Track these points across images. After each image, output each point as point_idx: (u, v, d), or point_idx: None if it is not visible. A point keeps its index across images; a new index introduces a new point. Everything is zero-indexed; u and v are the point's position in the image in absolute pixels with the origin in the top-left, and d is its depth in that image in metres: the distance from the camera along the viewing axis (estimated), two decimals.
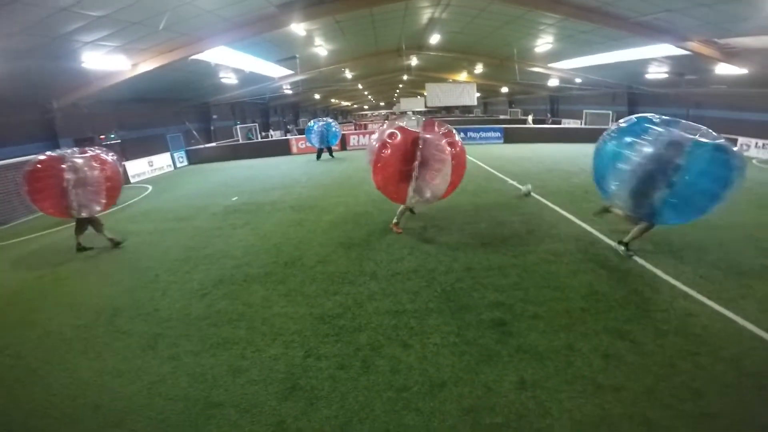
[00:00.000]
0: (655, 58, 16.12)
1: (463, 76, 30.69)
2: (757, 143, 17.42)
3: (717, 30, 11.31)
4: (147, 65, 12.43)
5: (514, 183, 10.41)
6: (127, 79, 12.67)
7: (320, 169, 14.38)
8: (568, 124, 26.96)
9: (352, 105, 56.19)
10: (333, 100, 45.33)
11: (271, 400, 3.20)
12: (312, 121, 18.25)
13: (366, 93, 43.57)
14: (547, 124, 26.92)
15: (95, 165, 7.10)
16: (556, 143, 19.91)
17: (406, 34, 18.21)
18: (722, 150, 4.70)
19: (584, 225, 7.06)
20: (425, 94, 20.31)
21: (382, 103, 58.04)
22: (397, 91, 43.12)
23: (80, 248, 7.19)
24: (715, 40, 12.39)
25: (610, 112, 23.56)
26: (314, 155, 18.43)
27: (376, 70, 28.94)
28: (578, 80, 23.23)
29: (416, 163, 6.19)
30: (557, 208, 8.11)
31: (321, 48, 17.41)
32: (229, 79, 19.50)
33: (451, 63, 27.03)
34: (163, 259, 6.57)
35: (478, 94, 45.15)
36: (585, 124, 25.25)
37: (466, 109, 56.70)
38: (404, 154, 6.26)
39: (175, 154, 19.06)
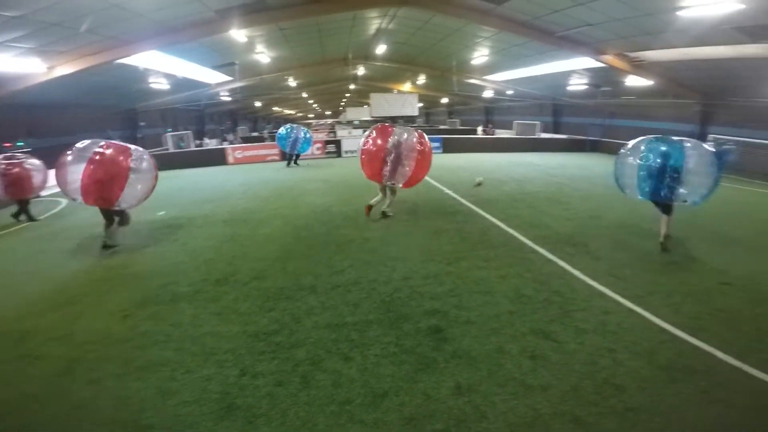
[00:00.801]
0: (575, 70, 17.77)
1: (407, 86, 31.65)
2: None
3: (628, 44, 12.75)
4: (65, 69, 11.44)
5: (450, 192, 10.76)
6: (42, 83, 11.52)
7: (258, 179, 13.84)
8: (500, 134, 28.60)
9: (296, 113, 55.22)
10: (275, 108, 44.21)
11: (206, 420, 3.07)
12: (283, 128, 17.94)
13: (311, 102, 43.11)
14: (490, 134, 28.34)
15: None
16: (491, 153, 21.01)
17: (353, 43, 18.43)
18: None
19: (511, 231, 7.42)
20: (370, 103, 20.35)
21: (328, 112, 57.74)
22: (344, 100, 43.17)
23: None
24: (626, 54, 13.91)
25: (537, 123, 25.43)
26: (253, 165, 17.86)
27: (322, 78, 28.83)
28: (510, 92, 24.90)
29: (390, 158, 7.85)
30: (488, 216, 8.45)
31: (263, 55, 17.18)
32: (159, 84, 18.38)
33: (396, 73, 27.77)
34: (80, 280, 5.96)
35: (421, 104, 46.94)
36: (516, 134, 26.92)
37: (410, 119, 58.38)
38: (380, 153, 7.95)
39: None
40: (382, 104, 20.05)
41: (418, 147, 7.87)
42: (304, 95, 35.57)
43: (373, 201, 8.50)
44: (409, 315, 4.59)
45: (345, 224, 8.09)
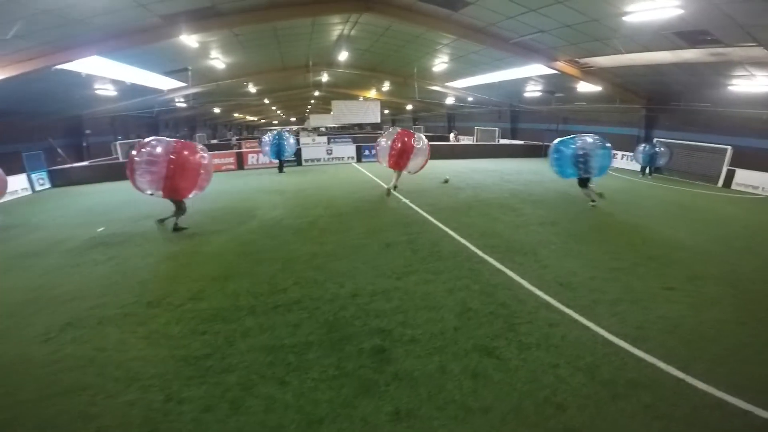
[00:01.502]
0: (530, 77, 18.33)
1: (372, 93, 31.60)
2: None
3: (578, 50, 13.26)
4: None
5: (407, 201, 10.64)
6: None
7: (210, 191, 12.97)
8: (463, 140, 29.12)
9: (259, 120, 53.95)
10: (237, 115, 42.97)
11: None
12: (267, 135, 17.79)
13: (274, 108, 42.22)
14: (456, 140, 28.73)
15: None
16: (453, 160, 21.26)
17: (314, 50, 18.16)
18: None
19: (463, 240, 7.33)
20: (332, 111, 20.06)
21: (293, 119, 56.83)
22: (309, 106, 42.57)
23: None
24: (576, 60, 14.47)
25: (497, 129, 26.08)
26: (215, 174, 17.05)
27: (284, 85, 28.23)
28: (470, 99, 25.37)
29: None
30: (442, 226, 8.31)
31: (218, 61, 16.61)
32: (106, 90, 17.47)
33: (360, 80, 27.62)
34: (0, 302, 5.43)
35: (386, 111, 47.18)
36: (476, 140, 27.53)
37: (377, 126, 58.48)
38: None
39: (34, 176, 16.03)
40: (343, 111, 19.82)
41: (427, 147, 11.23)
42: (266, 102, 34.71)
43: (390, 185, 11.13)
44: (353, 335, 4.37)
45: (295, 239, 7.73)
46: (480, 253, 6.67)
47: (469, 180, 14.44)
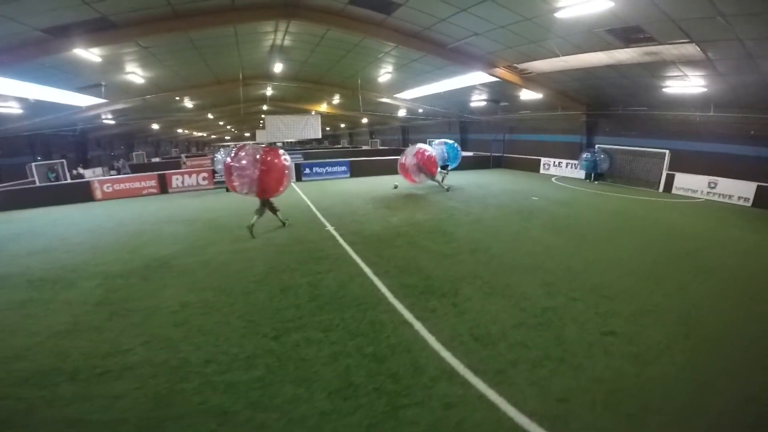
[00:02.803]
0: (474, 86, 17.87)
1: (323, 107, 30.50)
2: (554, 162, 20.48)
3: (515, 54, 12.75)
4: None
5: (331, 228, 9.40)
6: None
7: (115, 222, 11.25)
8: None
9: (209, 135, 51.40)
10: (180, 131, 40.46)
11: None
12: (219, 153, 17.01)
13: (222, 123, 40.11)
14: None
15: None
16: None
17: (247, 62, 16.91)
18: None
19: (376, 280, 6.11)
20: (264, 127, 18.66)
21: (247, 134, 54.58)
22: (261, 121, 40.72)
23: None
24: (515, 65, 14.03)
25: (453, 142, 25.58)
26: (124, 200, 15.51)
27: (224, 99, 26.56)
28: (420, 110, 24.80)
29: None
30: (358, 260, 6.97)
31: (135, 75, 15.12)
32: (9, 108, 15.35)
33: (307, 94, 26.47)
34: None
35: (343, 125, 46.27)
36: None
37: (335, 140, 57.39)
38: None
39: None
40: (279, 127, 18.42)
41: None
42: (210, 117, 32.72)
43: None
44: (182, 416, 3.24)
45: (174, 283, 6.27)
46: (390, 297, 5.48)
47: (409, 198, 13.45)
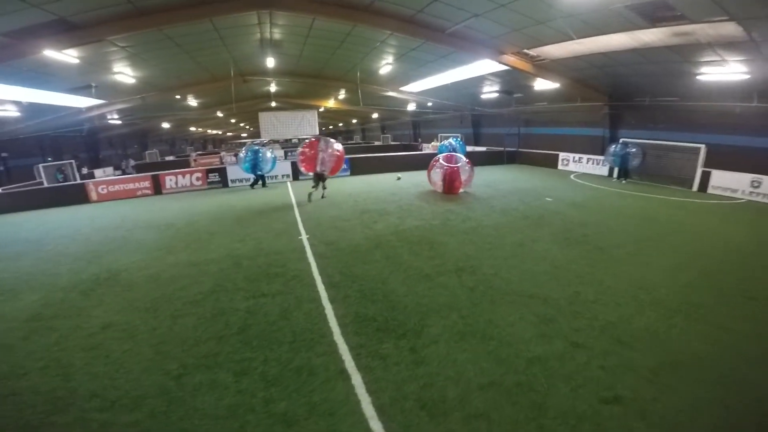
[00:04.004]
0: (483, 75, 16.47)
1: (331, 102, 29.65)
2: (574, 158, 18.74)
3: (523, 38, 11.36)
4: None
5: (304, 238, 8.29)
6: None
7: (88, 228, 10.67)
8: (428, 149, 27.10)
9: (224, 133, 51.47)
10: (193, 129, 40.47)
11: None
12: (243, 151, 16.75)
13: (233, 121, 39.85)
14: (419, 149, 26.80)
15: None
16: (409, 171, 19.16)
17: (239, 58, 16.20)
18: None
19: (329, 308, 4.98)
20: (259, 125, 17.85)
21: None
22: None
23: None
24: (525, 52, 12.61)
25: (459, 135, 24.15)
26: (119, 202, 15.24)
27: (230, 96, 26.09)
28: (429, 104, 23.46)
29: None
30: (318, 280, 5.91)
31: (123, 75, 14.85)
32: (6, 111, 15.39)
33: (311, 89, 25.68)
34: None
35: (354, 121, 45.26)
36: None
37: (349, 136, 56.54)
38: None
39: None
40: (273, 124, 17.54)
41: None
42: (220, 114, 32.37)
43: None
44: None
45: (110, 300, 5.58)
46: (337, 334, 4.40)
47: (405, 200, 12.26)
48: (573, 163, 18.64)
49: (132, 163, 27.25)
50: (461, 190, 13.19)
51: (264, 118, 17.25)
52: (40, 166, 21.60)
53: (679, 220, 9.37)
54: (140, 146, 35.56)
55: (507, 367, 3.73)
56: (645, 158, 14.75)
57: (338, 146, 13.29)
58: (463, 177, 13.11)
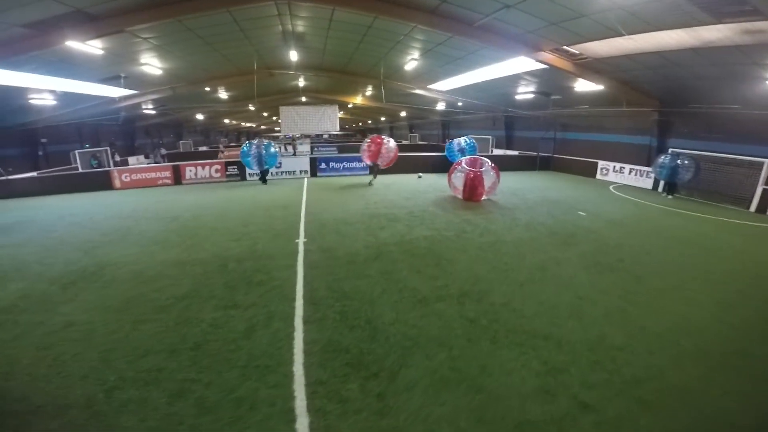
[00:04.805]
0: (517, 74, 15.36)
1: (359, 99, 29.24)
2: (614, 167, 17.14)
3: (562, 33, 10.25)
4: None
5: (300, 241, 7.68)
6: None
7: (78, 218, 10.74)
8: None
9: (258, 126, 52.35)
10: (226, 121, 41.29)
11: None
12: (246, 145, 16.40)
13: (266, 114, 40.33)
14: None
15: None
16: (433, 173, 18.32)
17: (264, 51, 16.06)
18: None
19: (299, 329, 4.35)
20: (280, 119, 17.54)
21: None
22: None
23: None
24: (565, 48, 11.46)
25: (491, 137, 22.91)
26: (140, 190, 15.47)
27: (259, 90, 26.30)
28: (460, 103, 22.40)
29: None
30: (298, 292, 5.29)
31: (150, 67, 14.99)
32: (43, 100, 15.97)
33: (339, 85, 25.32)
34: None
35: (383, 119, 44.61)
36: None
37: (378, 134, 55.89)
38: None
39: None
40: (294, 119, 17.20)
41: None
42: (251, 108, 32.73)
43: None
44: None
45: (85, 296, 5.34)
46: (299, 363, 3.73)
47: (420, 205, 11.42)
48: (613, 173, 17.04)
49: (163, 152, 27.87)
50: (484, 198, 12.16)
51: (285, 112, 16.95)
52: (77, 152, 22.56)
53: (734, 246, 8.00)
54: (175, 136, 36.65)
55: (489, 431, 2.92)
56: (699, 172, 13.04)
57: (393, 144, 15.55)
58: (487, 183, 12.03)
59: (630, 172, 16.23)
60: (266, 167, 16.31)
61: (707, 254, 7.40)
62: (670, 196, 13.69)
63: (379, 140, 15.33)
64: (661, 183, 14.46)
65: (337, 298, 5.19)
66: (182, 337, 4.25)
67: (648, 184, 15.32)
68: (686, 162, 13.10)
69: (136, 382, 3.49)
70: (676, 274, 6.32)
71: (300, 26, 13.41)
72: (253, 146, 16.04)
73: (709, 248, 7.79)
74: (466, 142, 17.72)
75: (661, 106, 14.20)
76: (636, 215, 10.70)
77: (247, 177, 17.07)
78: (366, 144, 15.43)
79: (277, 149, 16.90)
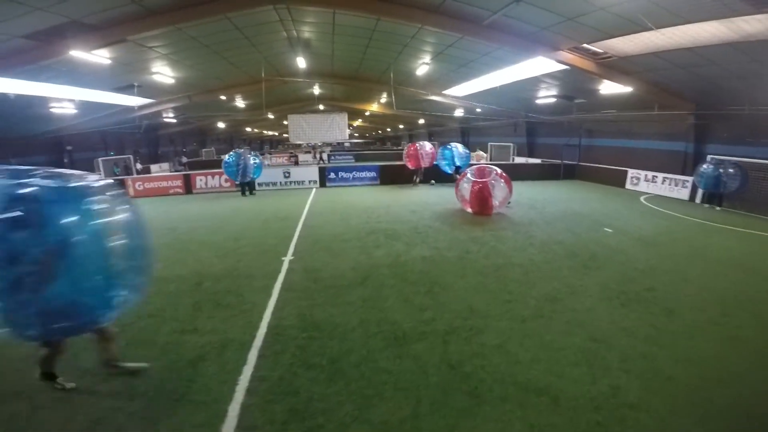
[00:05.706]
0: (537, 77, 14.48)
1: (374, 106, 28.90)
2: (646, 176, 15.74)
3: (581, 29, 9.39)
4: None
5: (287, 260, 7.08)
6: None
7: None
8: (471, 158, 25.03)
9: (280, 134, 53.03)
10: (249, 129, 41.96)
11: None
12: (228, 155, 15.69)
13: (286, 123, 40.68)
14: (477, 159, 24.91)
15: None
16: (441, 183, 17.52)
17: (272, 58, 15.98)
18: None
19: (251, 363, 3.76)
20: (288, 128, 17.28)
21: None
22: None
23: None
24: (586, 46, 10.57)
25: (512, 145, 21.84)
26: (152, 199, 15.44)
27: (275, 98, 26.41)
28: (478, 110, 21.52)
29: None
30: (264, 324, 4.61)
31: (162, 76, 15.18)
32: (63, 108, 16.35)
33: (355, 92, 25.14)
34: None
35: (401, 126, 44.06)
36: (490, 158, 23.31)
37: (396, 142, 55.54)
38: None
39: None
40: (302, 127, 16.88)
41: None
42: (271, 116, 32.99)
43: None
44: None
45: None
46: (235, 402, 3.18)
47: (425, 220, 10.63)
48: (644, 182, 15.65)
49: (184, 160, 28.39)
50: (495, 211, 11.25)
51: (293, 120, 16.64)
52: (100, 159, 23.20)
53: None
54: (198, 144, 37.50)
55: None
56: (745, 181, 11.57)
57: (428, 146, 17.11)
58: (498, 195, 11.14)
59: (663, 181, 14.83)
60: (253, 177, 15.79)
61: (755, 279, 6.28)
62: (718, 208, 12.25)
63: (413, 147, 16.89)
64: (699, 192, 13.07)
65: (304, 328, 4.56)
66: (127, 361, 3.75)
67: (684, 194, 13.91)
68: (731, 170, 11.68)
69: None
70: (717, 304, 5.29)
71: (305, 32, 13.17)
72: (241, 158, 15.40)
73: (758, 271, 6.65)
74: (454, 148, 16.60)
75: (698, 109, 12.89)
76: (670, 231, 9.50)
77: (256, 186, 16.87)
78: (405, 155, 17.33)
79: (258, 161, 16.36)
